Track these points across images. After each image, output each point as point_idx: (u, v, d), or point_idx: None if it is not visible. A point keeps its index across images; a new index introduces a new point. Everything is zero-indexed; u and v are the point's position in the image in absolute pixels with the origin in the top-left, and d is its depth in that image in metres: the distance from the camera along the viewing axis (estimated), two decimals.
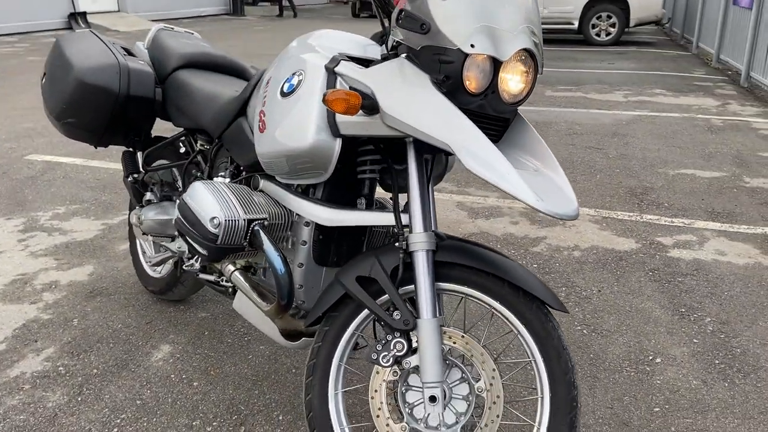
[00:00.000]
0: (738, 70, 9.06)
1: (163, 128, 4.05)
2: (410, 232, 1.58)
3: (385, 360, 1.57)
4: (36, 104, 6.59)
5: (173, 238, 2.23)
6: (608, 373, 2.27)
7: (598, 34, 12.08)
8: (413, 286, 1.60)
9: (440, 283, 1.59)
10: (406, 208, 1.65)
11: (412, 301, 1.63)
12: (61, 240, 3.31)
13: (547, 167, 1.50)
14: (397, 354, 1.57)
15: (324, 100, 1.49)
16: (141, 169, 2.48)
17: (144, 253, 2.81)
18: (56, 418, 2.01)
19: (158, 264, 2.53)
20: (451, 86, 1.44)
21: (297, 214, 1.86)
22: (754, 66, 8.50)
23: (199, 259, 2.14)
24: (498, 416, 1.55)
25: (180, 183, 2.54)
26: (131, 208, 2.86)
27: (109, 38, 2.46)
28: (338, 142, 1.61)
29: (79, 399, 2.10)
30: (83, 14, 14.02)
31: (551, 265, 3.10)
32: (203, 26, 14.87)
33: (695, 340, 2.49)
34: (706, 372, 2.29)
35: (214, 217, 1.73)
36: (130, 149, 2.51)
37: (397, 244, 1.59)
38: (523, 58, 1.47)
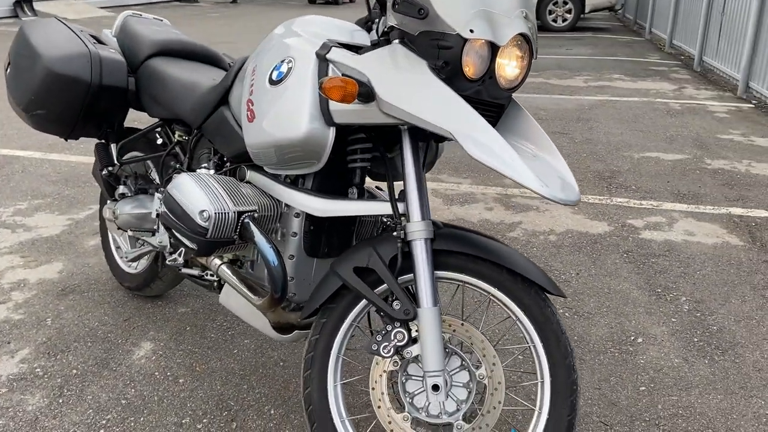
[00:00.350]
0: (690, 54, 9.30)
1: (135, 118, 3.93)
2: (407, 221, 1.56)
3: (385, 350, 1.56)
4: None
5: (154, 233, 2.17)
6: (593, 354, 2.30)
7: (554, 20, 12.22)
8: (411, 275, 1.59)
9: (438, 272, 1.58)
10: (400, 197, 1.64)
11: (409, 290, 1.62)
12: (26, 237, 3.19)
13: (545, 152, 1.50)
14: (397, 344, 1.55)
15: (320, 88, 1.45)
16: (115, 162, 2.39)
17: (118, 248, 2.73)
18: (37, 422, 1.94)
19: (135, 259, 2.46)
20: (449, 72, 1.42)
21: (286, 206, 1.82)
22: (706, 51, 8.72)
23: (183, 253, 2.08)
24: (500, 402, 1.56)
25: (156, 175, 2.47)
26: (102, 202, 2.77)
27: (76, 25, 2.36)
28: (332, 131, 1.58)
29: (60, 401, 2.03)
30: (29, 1, 13.49)
31: (528, 249, 3.13)
32: (155, 13, 14.49)
33: (673, 320, 2.55)
34: (687, 350, 2.35)
35: (203, 210, 1.68)
36: (103, 141, 2.42)
37: (395, 233, 1.57)
38: (519, 43, 1.47)
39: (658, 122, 5.70)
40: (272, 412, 2.00)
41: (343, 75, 1.55)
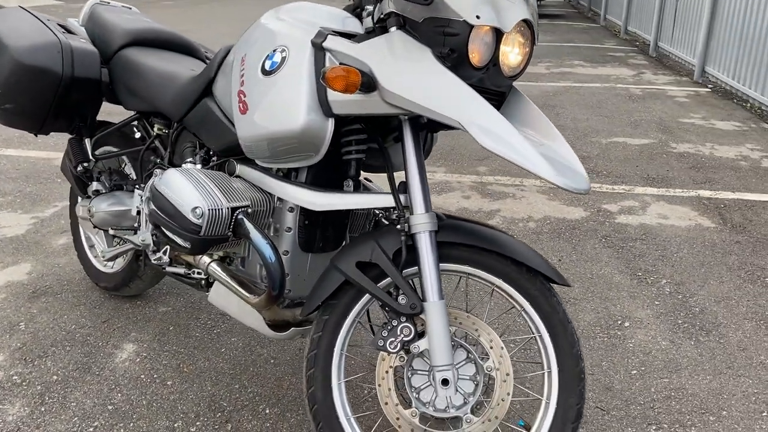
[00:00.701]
0: (646, 40, 9.48)
1: (109, 111, 3.78)
2: (411, 213, 1.53)
3: (392, 346, 1.53)
4: None
5: (135, 230, 2.08)
6: (584, 340, 2.32)
7: None
8: (414, 268, 1.56)
9: (442, 264, 1.55)
10: (400, 188, 1.60)
11: (411, 284, 1.59)
12: None
13: (550, 139, 1.48)
14: (404, 339, 1.52)
15: (323, 78, 1.40)
16: (91, 158, 2.29)
17: (92, 247, 2.62)
18: None
19: (113, 258, 2.36)
20: (455, 60, 1.39)
21: (279, 200, 1.77)
22: (661, 36, 8.91)
23: (168, 251, 2.00)
24: (509, 394, 1.54)
25: (133, 171, 2.38)
26: (73, 200, 2.66)
27: (43, 14, 2.24)
28: (331, 122, 1.53)
29: (43, 409, 1.94)
30: None
31: None
32: None
33: (656, 302, 2.59)
34: (672, 332, 2.39)
35: (195, 207, 1.61)
36: (76, 136, 2.31)
37: (398, 226, 1.54)
38: (522, 29, 1.44)
39: (621, 107, 5.79)
40: (267, 411, 1.95)
41: (340, 64, 1.51)
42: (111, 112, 2.25)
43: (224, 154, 1.84)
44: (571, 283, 1.66)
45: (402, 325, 1.53)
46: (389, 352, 1.53)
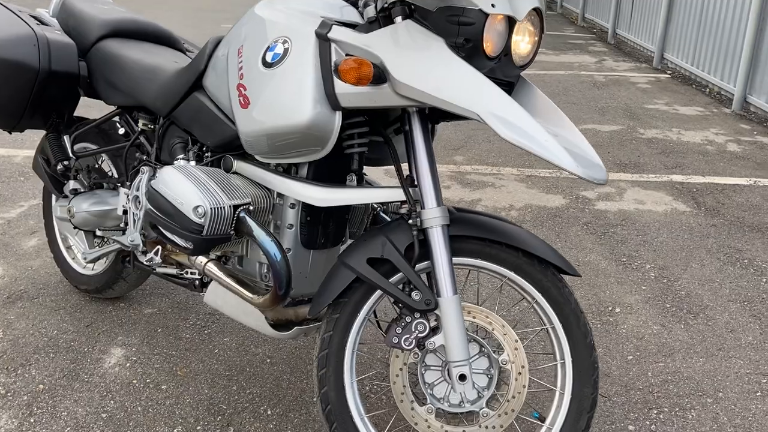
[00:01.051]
0: (603, 27, 9.62)
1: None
2: (422, 207, 1.50)
3: (407, 343, 1.50)
4: None
5: (123, 231, 2.00)
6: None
7: None
8: (425, 263, 1.53)
9: (454, 258, 1.53)
10: (407, 182, 1.57)
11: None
12: None
13: (563, 129, 1.46)
14: (419, 335, 1.50)
15: (336, 70, 1.36)
16: (71, 155, 2.18)
17: (69, 248, 2.51)
18: None
19: (95, 260, 2.27)
20: (470, 50, 1.36)
21: (278, 196, 1.72)
22: (619, 23, 9.05)
23: (159, 251, 1.93)
24: (524, 386, 1.54)
25: (113, 168, 2.28)
26: (47, 199, 2.55)
27: (13, 5, 2.12)
28: (338, 116, 1.48)
29: (32, 420, 1.85)
30: None
31: None
32: None
33: (643, 287, 2.62)
34: (662, 316, 2.42)
35: (197, 206, 1.55)
36: (54, 133, 2.20)
37: (411, 221, 1.50)
38: (532, 18, 1.43)
39: (587, 94, 5.86)
40: (269, 412, 1.91)
41: (347, 55, 1.46)
42: (90, 106, 2.14)
43: (220, 149, 1.78)
44: (580, 273, 1.66)
45: (416, 321, 1.50)
46: (404, 349, 1.50)
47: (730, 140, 4.62)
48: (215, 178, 1.64)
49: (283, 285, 1.59)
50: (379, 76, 1.40)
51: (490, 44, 1.37)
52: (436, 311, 1.49)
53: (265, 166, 1.70)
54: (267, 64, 1.53)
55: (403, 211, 1.58)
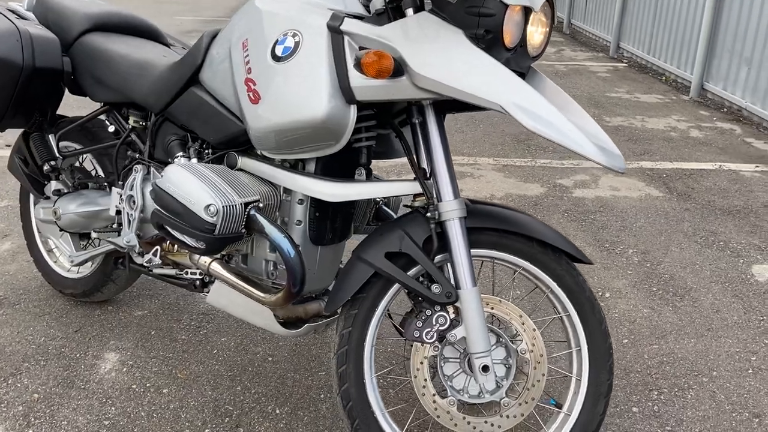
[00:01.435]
0: (558, 17, 9.77)
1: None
2: (438, 200, 1.50)
3: (428, 336, 1.50)
4: None
5: (119, 232, 1.93)
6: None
7: None
8: (442, 256, 1.53)
9: (472, 250, 1.53)
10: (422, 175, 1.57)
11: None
12: None
13: (578, 118, 1.48)
14: (440, 328, 1.50)
15: (358, 64, 1.34)
16: (57, 155, 2.09)
17: (50, 251, 2.42)
18: None
19: (82, 263, 2.19)
20: (490, 41, 1.36)
21: (285, 192, 1.69)
22: (574, 14, 9.21)
23: (158, 251, 1.88)
24: (543, 375, 1.55)
25: (98, 167, 2.21)
26: (24, 201, 2.45)
27: None
28: (353, 110, 1.46)
29: (30, 431, 1.78)
30: None
31: None
32: None
33: (629, 272, 2.69)
34: (650, 300, 2.49)
35: (209, 205, 1.51)
36: (39, 132, 2.11)
37: (429, 214, 1.50)
38: (545, 9, 1.44)
39: None
40: (277, 411, 1.88)
41: (360, 48, 1.44)
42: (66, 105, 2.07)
43: (222, 146, 1.74)
44: (593, 261, 1.68)
45: (437, 314, 1.50)
46: (425, 343, 1.50)
47: (691, 126, 4.76)
48: (223, 176, 1.60)
49: (298, 282, 1.57)
50: (398, 69, 1.39)
51: (509, 35, 1.37)
52: (456, 304, 1.49)
53: (271, 162, 1.67)
54: (277, 58, 1.49)
55: (417, 204, 1.58)
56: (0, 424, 1.80)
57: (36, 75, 1.92)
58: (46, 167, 2.07)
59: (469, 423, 1.54)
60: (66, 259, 2.35)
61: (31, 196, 2.42)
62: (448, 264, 1.53)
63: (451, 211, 1.48)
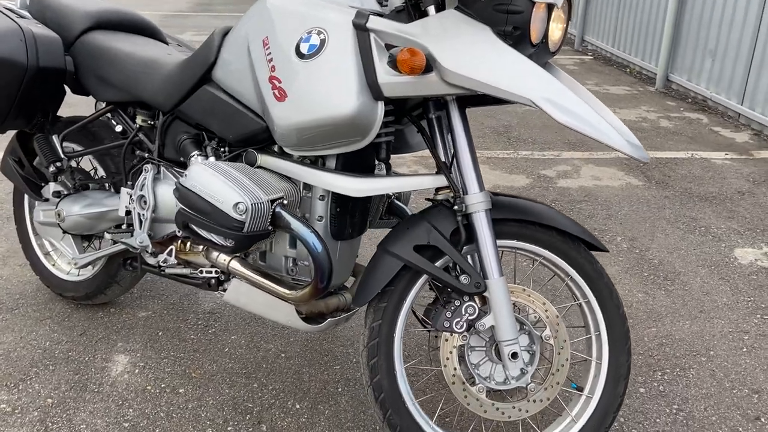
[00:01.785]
0: None
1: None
2: (464, 193, 1.54)
3: (458, 326, 1.54)
4: None
5: (132, 232, 1.91)
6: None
7: None
8: (467, 247, 1.57)
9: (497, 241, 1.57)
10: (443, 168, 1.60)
11: None
12: None
13: (600, 111, 1.53)
14: (470, 318, 1.54)
15: (394, 61, 1.36)
16: (62, 156, 2.06)
17: (47, 254, 2.38)
18: None
19: (86, 265, 2.16)
20: (518, 38, 1.40)
21: (305, 189, 1.70)
22: None
23: (172, 251, 1.87)
24: (567, 359, 1.61)
25: (100, 168, 2.17)
26: (18, 204, 2.40)
27: None
28: (380, 106, 1.49)
29: None
30: None
31: None
32: None
33: (620, 258, 2.78)
34: (643, 284, 2.58)
35: (238, 203, 1.52)
36: (42, 133, 2.07)
37: (456, 207, 1.54)
38: (563, 5, 1.48)
39: None
40: (297, 406, 1.90)
41: (385, 45, 1.47)
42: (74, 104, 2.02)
43: (241, 144, 1.74)
44: (608, 249, 1.75)
45: (466, 304, 1.54)
46: (456, 332, 1.54)
47: (661, 117, 4.91)
48: (246, 174, 1.61)
49: (325, 277, 1.59)
50: (427, 65, 1.41)
51: (535, 31, 1.41)
52: (484, 293, 1.53)
53: (290, 158, 1.68)
54: (303, 56, 1.51)
55: (440, 197, 1.61)
56: (18, 430, 1.77)
57: (40, 75, 1.89)
58: (51, 168, 2.03)
59: (498, 409, 1.58)
60: (66, 262, 2.33)
61: (26, 199, 2.38)
62: (474, 255, 1.57)
63: (477, 203, 1.52)
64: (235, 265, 1.76)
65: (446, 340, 1.57)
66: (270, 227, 1.59)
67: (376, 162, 1.73)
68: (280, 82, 1.54)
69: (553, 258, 1.62)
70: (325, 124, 1.49)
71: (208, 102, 1.75)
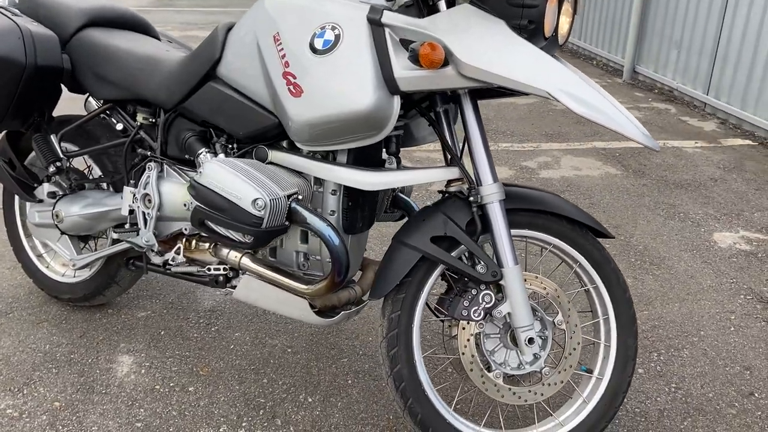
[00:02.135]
0: None
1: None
2: (479, 184, 1.57)
3: (476, 314, 1.58)
4: None
5: (138, 232, 1.89)
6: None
7: None
8: (482, 237, 1.61)
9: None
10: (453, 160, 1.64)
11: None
12: None
13: (611, 101, 1.58)
14: (486, 306, 1.58)
15: (416, 55, 1.39)
16: (62, 156, 2.02)
17: (40, 256, 2.33)
18: None
19: (85, 266, 2.13)
20: (532, 31, 1.43)
21: (316, 183, 1.72)
22: None
23: (180, 249, 1.86)
24: (579, 343, 1.66)
25: (95, 167, 2.14)
26: (8, 206, 2.34)
27: None
28: (397, 100, 1.51)
29: None
30: None
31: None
32: None
33: (607, 245, 2.85)
34: (631, 270, 2.66)
35: (256, 199, 1.53)
36: (40, 133, 2.03)
37: (471, 198, 1.57)
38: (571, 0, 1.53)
39: None
40: (309, 399, 1.91)
41: (400, 40, 1.49)
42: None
43: (250, 140, 1.74)
44: (614, 235, 1.80)
45: (483, 293, 1.58)
46: (474, 321, 1.58)
47: (630, 108, 5.04)
48: (261, 170, 1.61)
49: (343, 270, 1.61)
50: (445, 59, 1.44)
51: (548, 25, 1.45)
52: (500, 282, 1.57)
53: (300, 153, 1.69)
54: (317, 51, 1.52)
55: (452, 189, 1.64)
56: None
57: (38, 74, 1.85)
58: (51, 169, 1.99)
59: (514, 393, 1.63)
60: (61, 263, 2.29)
61: (17, 200, 2.33)
62: (489, 245, 1.61)
63: (492, 194, 1.56)
64: (247, 261, 1.76)
65: (463, 328, 1.61)
66: (287, 223, 1.60)
67: (387, 155, 1.76)
68: (294, 77, 1.55)
69: (562, 246, 1.67)
70: (342, 119, 1.50)
71: (215, 99, 1.75)
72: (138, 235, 1.88)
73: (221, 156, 1.76)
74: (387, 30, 1.49)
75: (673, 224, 3.08)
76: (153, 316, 2.28)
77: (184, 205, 1.82)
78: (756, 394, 1.97)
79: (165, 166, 1.89)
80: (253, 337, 2.18)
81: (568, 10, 1.52)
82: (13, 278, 2.47)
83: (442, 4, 1.50)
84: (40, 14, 2.00)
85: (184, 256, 1.88)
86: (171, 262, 1.87)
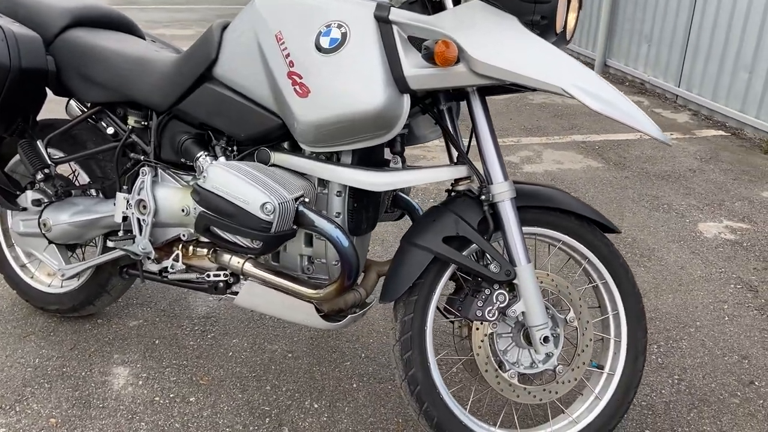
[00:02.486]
0: None
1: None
2: (489, 182, 1.55)
3: (491, 314, 1.56)
4: None
5: (133, 239, 1.83)
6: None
7: None
8: (493, 236, 1.59)
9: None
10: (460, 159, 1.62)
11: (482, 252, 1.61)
12: None
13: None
14: (501, 306, 1.56)
15: (431, 53, 1.36)
16: (49, 162, 1.93)
17: (23, 266, 2.24)
18: None
19: (74, 276, 2.05)
20: (545, 27, 1.42)
21: (320, 185, 1.68)
22: None
23: (179, 256, 1.80)
24: (591, 340, 1.66)
25: (83, 173, 2.06)
26: None
27: None
28: (406, 98, 1.48)
29: None
30: None
31: (442, 196, 3.24)
32: None
33: None
34: None
35: (265, 203, 1.48)
36: (26, 139, 1.94)
37: (482, 197, 1.55)
38: None
39: None
40: (315, 405, 1.87)
41: (408, 37, 1.46)
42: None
43: (251, 142, 1.69)
44: (620, 230, 1.81)
45: (497, 292, 1.56)
46: (488, 321, 1.56)
47: None
48: (266, 173, 1.57)
49: (353, 272, 1.58)
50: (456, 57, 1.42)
51: (559, 20, 1.44)
52: (513, 281, 1.56)
53: (303, 155, 1.65)
54: (323, 50, 1.48)
55: (461, 188, 1.62)
56: None
57: (23, 77, 1.77)
58: (39, 175, 1.91)
59: (529, 393, 1.62)
60: (47, 273, 2.21)
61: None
62: (500, 243, 1.59)
63: (503, 192, 1.54)
64: (250, 267, 1.72)
65: (477, 329, 1.59)
66: (295, 226, 1.56)
67: (392, 155, 1.73)
68: (300, 77, 1.50)
69: (571, 242, 1.66)
70: (351, 119, 1.47)
71: (212, 100, 1.69)
72: (133, 242, 1.82)
73: (223, 159, 1.70)
74: (395, 27, 1.46)
75: (659, 216, 3.11)
76: (145, 324, 2.22)
77: (182, 210, 1.76)
78: (756, 383, 1.99)
79: (159, 171, 1.83)
80: (252, 343, 2.13)
81: (574, 5, 1.51)
82: None
83: (449, 2, 1.47)
84: (20, 14, 1.92)
85: (182, 262, 1.82)
86: (170, 270, 1.81)
